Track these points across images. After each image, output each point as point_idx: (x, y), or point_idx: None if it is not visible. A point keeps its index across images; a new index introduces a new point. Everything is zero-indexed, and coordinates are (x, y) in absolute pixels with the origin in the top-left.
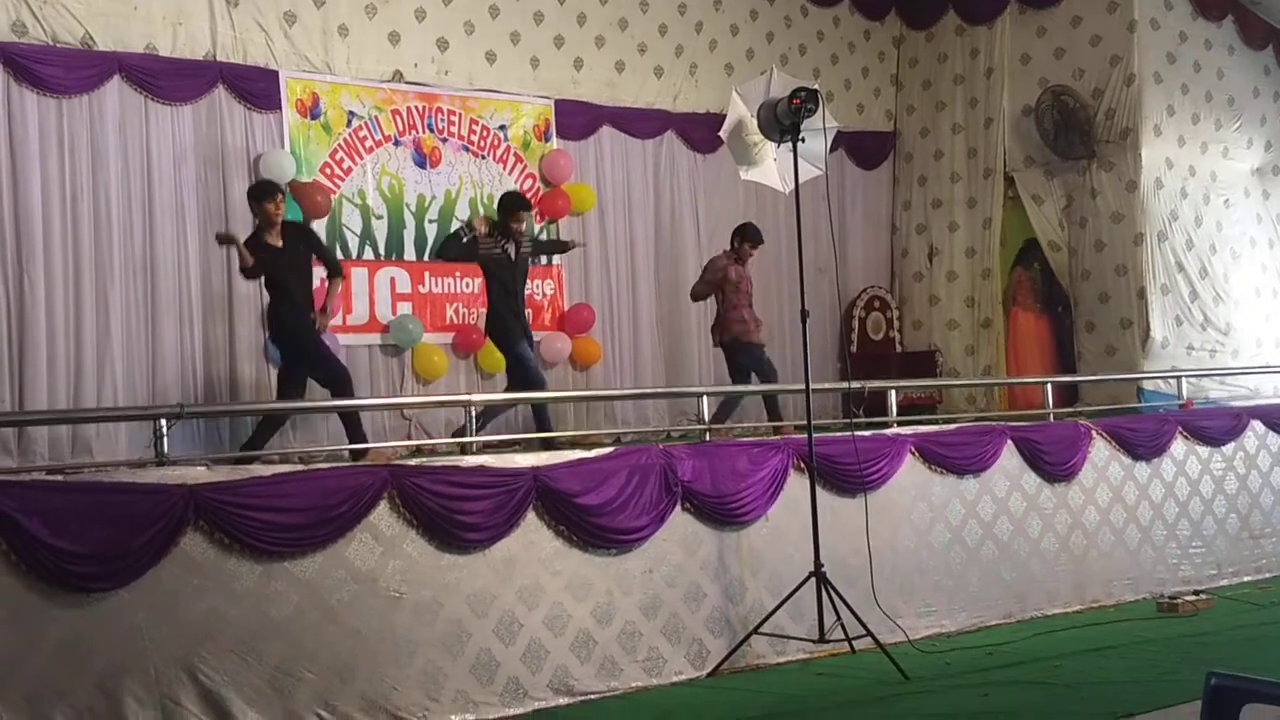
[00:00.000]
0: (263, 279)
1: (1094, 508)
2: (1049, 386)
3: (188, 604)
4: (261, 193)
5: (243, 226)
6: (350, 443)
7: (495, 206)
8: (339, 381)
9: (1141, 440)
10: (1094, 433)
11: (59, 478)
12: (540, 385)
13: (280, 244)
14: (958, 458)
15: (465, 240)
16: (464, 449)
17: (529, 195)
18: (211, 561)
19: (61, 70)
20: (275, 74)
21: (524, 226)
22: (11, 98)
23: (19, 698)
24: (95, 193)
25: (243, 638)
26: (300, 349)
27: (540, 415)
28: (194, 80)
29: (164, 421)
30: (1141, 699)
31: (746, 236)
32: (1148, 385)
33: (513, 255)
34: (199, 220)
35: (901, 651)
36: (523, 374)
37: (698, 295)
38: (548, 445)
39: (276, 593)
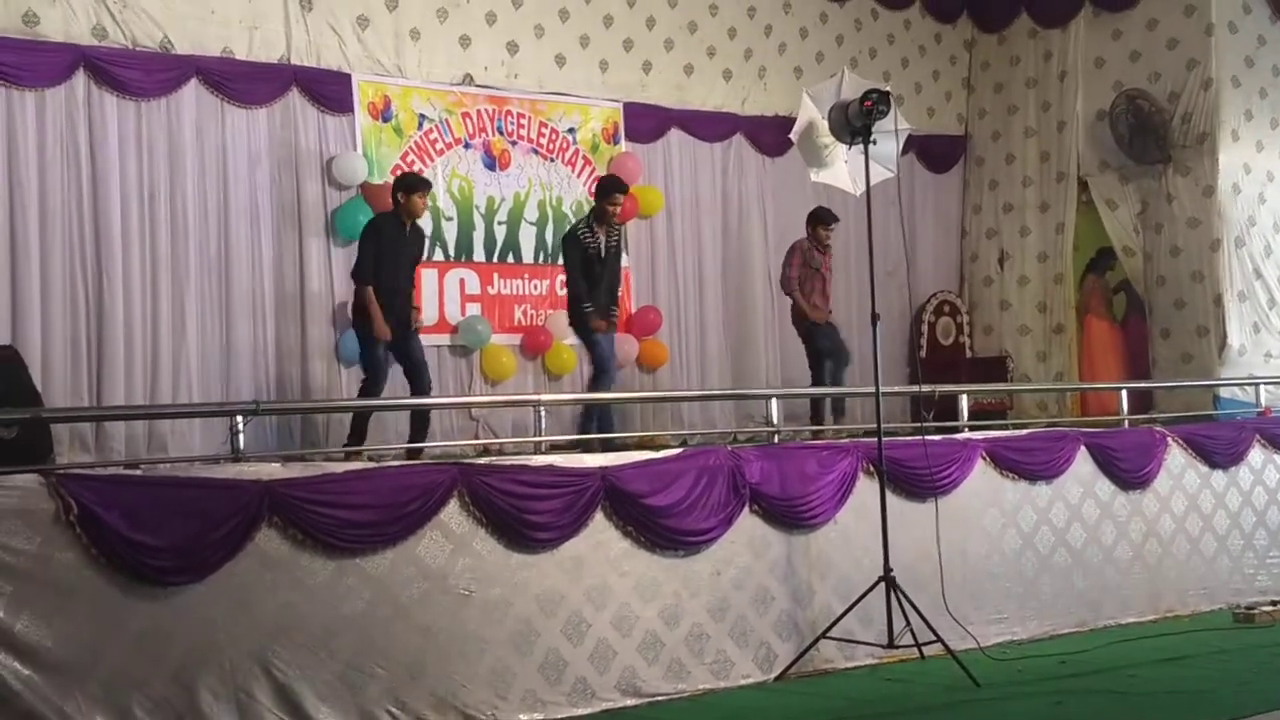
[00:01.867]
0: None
1: (1169, 516)
2: (1124, 393)
3: (262, 599)
4: (414, 184)
5: (314, 227)
6: (411, 439)
7: (595, 191)
8: (419, 373)
9: (1218, 448)
10: (1170, 440)
11: (137, 473)
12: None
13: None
14: (1030, 463)
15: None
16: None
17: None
18: (285, 557)
19: (140, 73)
20: (348, 77)
21: (618, 209)
22: (92, 100)
23: (97, 688)
24: (172, 194)
25: (315, 633)
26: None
27: (604, 415)
28: (269, 83)
29: (240, 418)
30: (1217, 709)
31: (819, 220)
32: (1224, 393)
33: (603, 251)
34: (273, 221)
35: (972, 659)
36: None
37: (784, 282)
38: (609, 446)
39: (348, 589)
